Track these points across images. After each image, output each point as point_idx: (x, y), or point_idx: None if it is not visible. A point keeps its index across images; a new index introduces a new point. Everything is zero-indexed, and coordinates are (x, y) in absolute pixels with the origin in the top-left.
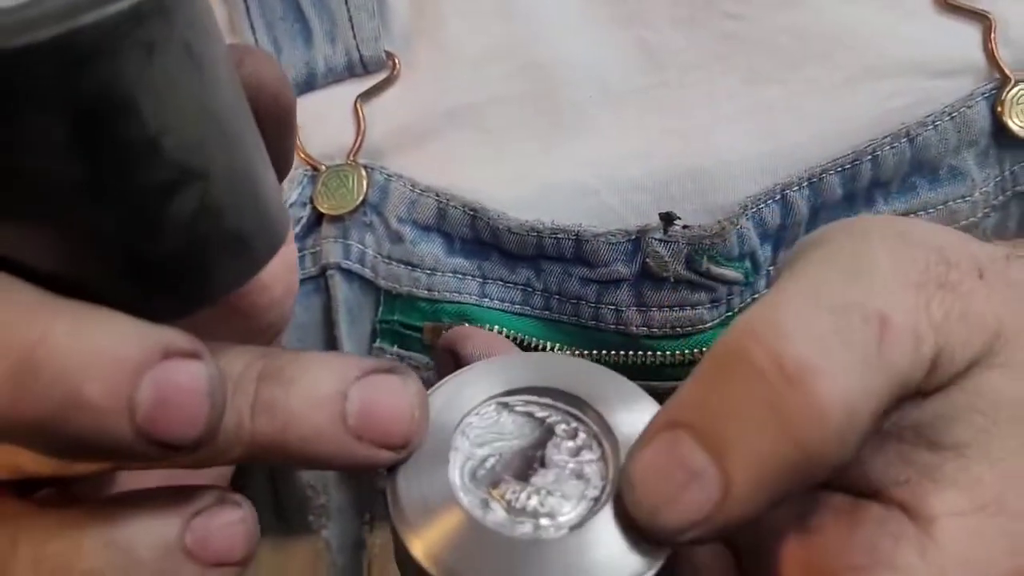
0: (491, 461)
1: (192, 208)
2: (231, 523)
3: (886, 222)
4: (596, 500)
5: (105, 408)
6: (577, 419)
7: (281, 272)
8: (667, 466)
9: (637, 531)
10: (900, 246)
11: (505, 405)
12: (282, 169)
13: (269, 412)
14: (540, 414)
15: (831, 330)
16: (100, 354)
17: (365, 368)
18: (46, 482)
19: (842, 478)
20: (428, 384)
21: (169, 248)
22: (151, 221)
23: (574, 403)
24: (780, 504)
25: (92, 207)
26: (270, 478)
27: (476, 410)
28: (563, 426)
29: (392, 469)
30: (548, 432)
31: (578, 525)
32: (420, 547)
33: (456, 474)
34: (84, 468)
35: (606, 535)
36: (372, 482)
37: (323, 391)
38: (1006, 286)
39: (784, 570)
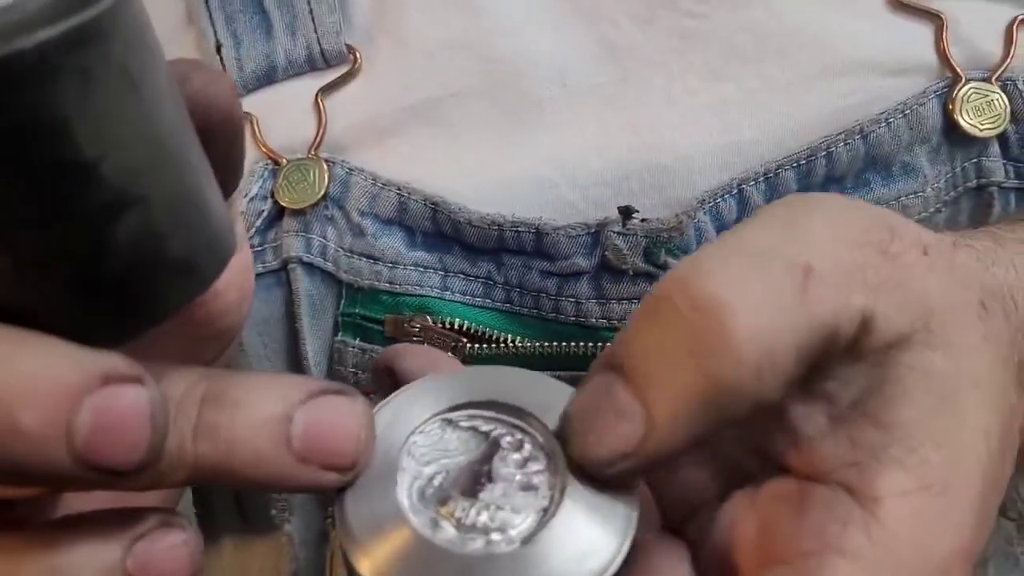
0: (438, 479)
1: (134, 232)
2: (174, 546)
3: (833, 196)
4: (545, 511)
5: (42, 436)
6: (522, 431)
7: (234, 277)
8: (598, 404)
9: (587, 537)
10: (842, 211)
11: (449, 421)
12: (231, 182)
13: (212, 436)
14: (485, 428)
15: (750, 272)
16: (36, 381)
17: (311, 390)
18: None
19: (791, 463)
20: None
21: (110, 272)
22: (90, 246)
23: (518, 415)
24: (706, 439)
25: (28, 231)
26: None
27: (420, 428)
28: (508, 438)
29: (341, 490)
30: (494, 446)
31: (529, 537)
32: (369, 568)
33: (404, 494)
34: (24, 492)
35: (557, 545)
36: None
37: (267, 414)
38: (949, 268)
39: (737, 560)
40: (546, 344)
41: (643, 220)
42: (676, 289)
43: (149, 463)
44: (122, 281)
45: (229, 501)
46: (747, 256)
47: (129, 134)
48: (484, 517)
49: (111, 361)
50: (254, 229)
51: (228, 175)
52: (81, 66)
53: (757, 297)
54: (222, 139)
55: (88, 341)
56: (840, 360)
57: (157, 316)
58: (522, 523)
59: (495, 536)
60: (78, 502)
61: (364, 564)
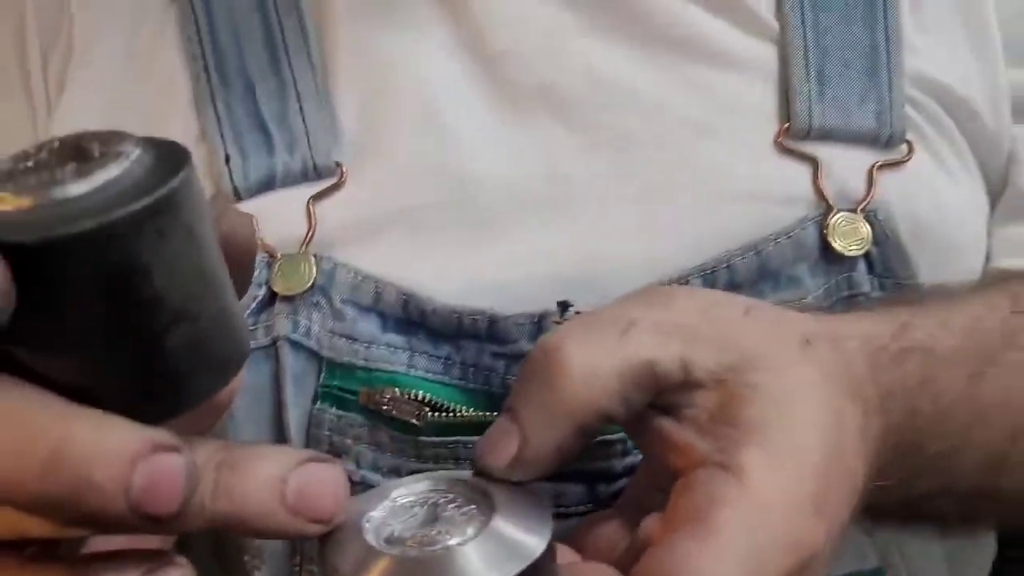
0: (398, 529)
1: (185, 341)
2: None
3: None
4: (488, 520)
5: (108, 489)
6: (451, 493)
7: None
8: (494, 434)
9: (519, 533)
10: (680, 293)
11: (395, 502)
12: (242, 293)
13: (227, 493)
14: (425, 499)
15: (585, 327)
16: (107, 450)
17: (301, 458)
18: (34, 542)
19: (680, 467)
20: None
21: (165, 370)
22: (153, 351)
23: (447, 483)
24: (574, 445)
25: (111, 344)
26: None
27: (373, 508)
28: (443, 499)
29: (322, 540)
30: (435, 506)
31: (477, 535)
32: None
33: (372, 538)
34: (76, 533)
35: (504, 531)
36: None
37: (268, 476)
38: (771, 320)
39: (653, 538)
40: (492, 414)
41: (577, 312)
42: (537, 345)
43: (181, 513)
44: (173, 376)
45: (207, 550)
46: (589, 317)
47: (186, 271)
48: (440, 535)
49: (159, 435)
50: (249, 311)
51: (241, 289)
52: (158, 228)
53: (585, 340)
54: (240, 264)
55: (143, 419)
56: (686, 390)
57: (194, 403)
58: (471, 530)
59: (451, 541)
60: (101, 545)
61: None
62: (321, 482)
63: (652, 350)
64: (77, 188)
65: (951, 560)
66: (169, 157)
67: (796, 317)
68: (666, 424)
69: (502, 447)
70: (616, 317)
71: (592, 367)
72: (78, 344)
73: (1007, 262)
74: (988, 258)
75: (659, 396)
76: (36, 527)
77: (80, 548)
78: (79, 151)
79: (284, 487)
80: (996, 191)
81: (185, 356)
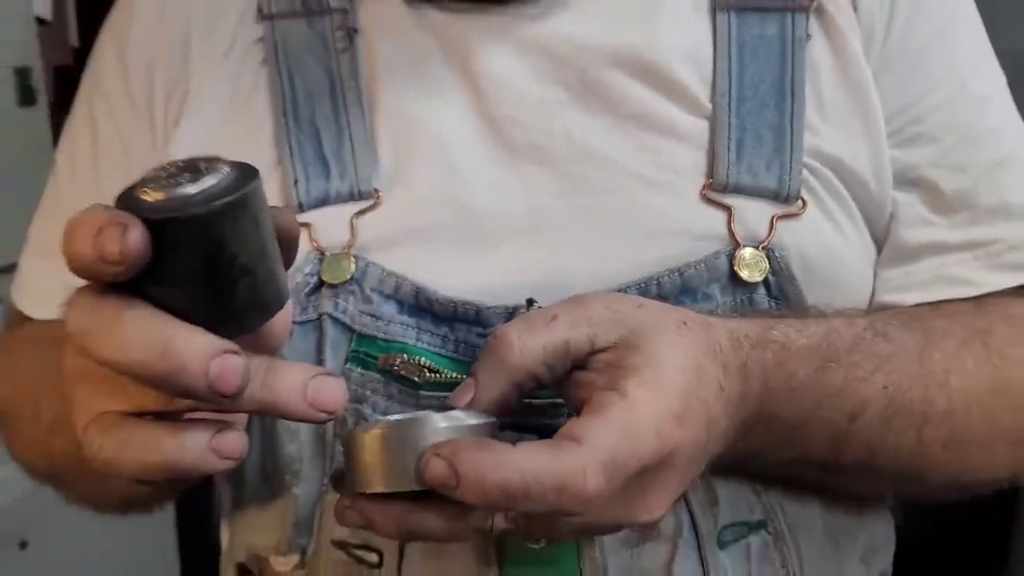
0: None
1: (246, 287)
2: (235, 436)
3: (605, 293)
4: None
5: (196, 372)
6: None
7: (282, 316)
8: (462, 386)
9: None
10: (600, 295)
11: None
12: (290, 262)
13: (268, 388)
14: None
15: (523, 320)
16: (197, 348)
17: (317, 371)
18: (150, 413)
19: (586, 396)
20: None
21: (233, 305)
22: (227, 294)
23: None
24: (511, 397)
25: (203, 286)
26: (261, 451)
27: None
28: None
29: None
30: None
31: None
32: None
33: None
34: (179, 405)
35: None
36: (331, 457)
37: (297, 380)
38: (658, 309)
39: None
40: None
41: (539, 307)
42: (493, 331)
43: (239, 395)
44: (238, 309)
45: (258, 463)
46: (528, 314)
47: (251, 244)
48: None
49: (228, 344)
50: (303, 293)
51: (288, 259)
52: (235, 216)
53: (523, 328)
54: (288, 244)
55: (220, 335)
56: (593, 355)
57: (250, 328)
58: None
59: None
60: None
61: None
62: (329, 387)
63: (566, 333)
64: (191, 189)
65: (827, 520)
66: (246, 173)
67: (679, 310)
68: (578, 374)
69: (463, 395)
70: (545, 313)
71: (524, 344)
72: (184, 285)
73: (886, 297)
74: (874, 293)
75: (576, 362)
76: (152, 401)
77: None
78: (192, 167)
79: (305, 387)
80: (881, 242)
81: (246, 297)
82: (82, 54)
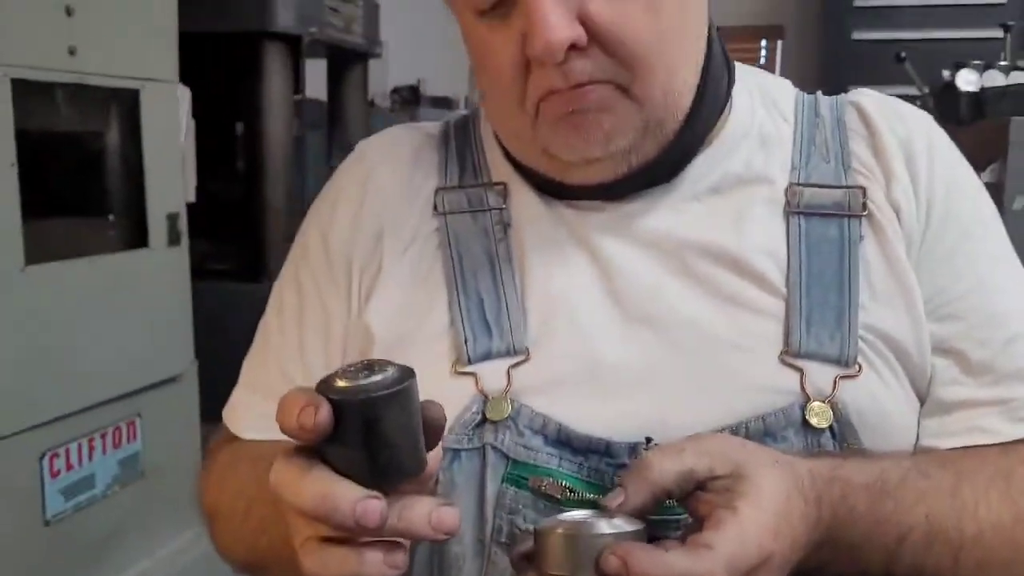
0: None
1: (391, 457)
2: (400, 555)
3: (728, 436)
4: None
5: (347, 512)
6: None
7: (432, 468)
8: (614, 492)
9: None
10: (719, 438)
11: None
12: (432, 445)
13: (405, 519)
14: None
15: (659, 451)
16: (349, 497)
17: (439, 503)
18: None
19: (708, 510)
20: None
21: (380, 469)
22: (377, 459)
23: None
24: (649, 505)
25: (362, 452)
26: (430, 552)
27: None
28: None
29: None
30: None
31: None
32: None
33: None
34: (342, 535)
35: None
36: (488, 557)
37: (423, 511)
38: (756, 450)
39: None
40: (601, 496)
41: (656, 444)
42: (639, 457)
43: (381, 526)
44: (385, 472)
45: (425, 566)
46: (663, 447)
47: (400, 425)
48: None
49: (371, 493)
50: (471, 426)
51: (432, 442)
52: (389, 404)
53: (660, 456)
54: (436, 430)
55: (369, 487)
56: (711, 479)
57: (392, 487)
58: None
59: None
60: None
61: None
62: (447, 515)
63: (692, 462)
64: (366, 381)
65: None
66: (406, 374)
67: (770, 450)
68: (701, 493)
69: (615, 499)
70: (675, 446)
71: (662, 467)
72: (350, 449)
73: (927, 442)
74: (917, 439)
75: (698, 485)
76: (325, 531)
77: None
78: (369, 365)
79: (429, 516)
80: (923, 397)
81: (391, 463)
82: None
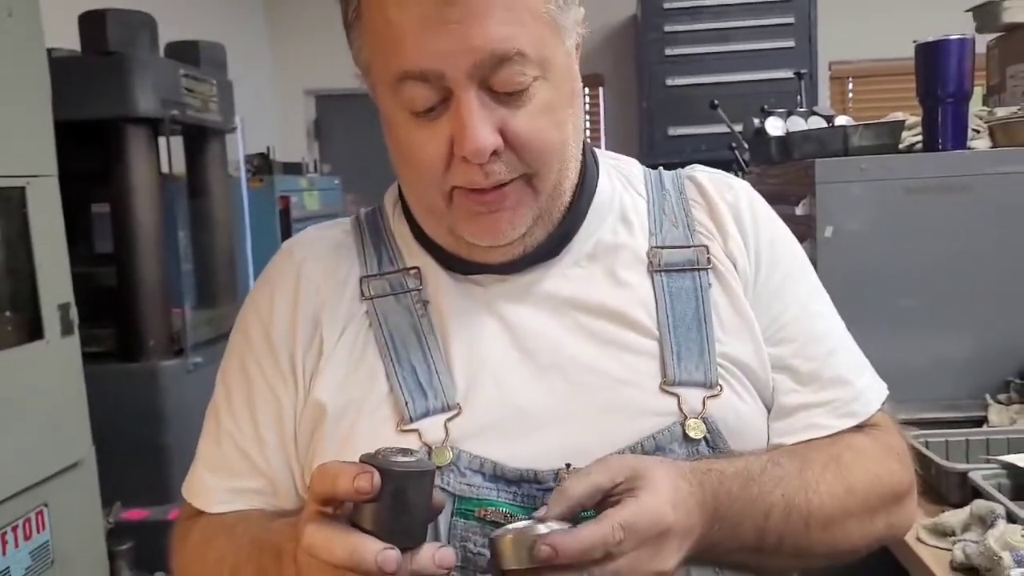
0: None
1: (408, 518)
2: None
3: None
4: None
5: (370, 564)
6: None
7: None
8: (544, 507)
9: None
10: (608, 456)
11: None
12: (430, 519)
13: (416, 562)
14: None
15: (575, 474)
16: (371, 550)
17: (437, 546)
18: None
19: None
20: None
21: (400, 528)
22: (398, 520)
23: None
24: (569, 515)
25: (389, 514)
26: None
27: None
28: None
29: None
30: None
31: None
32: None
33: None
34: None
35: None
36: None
37: (430, 554)
38: (657, 460)
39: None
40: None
41: (574, 468)
42: (560, 482)
43: (398, 571)
44: (399, 532)
45: None
46: (577, 471)
47: (420, 495)
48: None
49: (388, 546)
50: None
51: (431, 517)
52: (415, 480)
53: (574, 478)
54: (437, 510)
55: (388, 541)
56: (616, 487)
57: (406, 545)
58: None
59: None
60: None
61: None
62: (446, 554)
63: (597, 478)
64: (400, 461)
65: None
66: (426, 458)
67: (660, 458)
68: (609, 500)
69: (543, 513)
70: (585, 470)
71: (575, 488)
72: (380, 511)
73: (776, 440)
74: (769, 439)
75: (607, 495)
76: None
77: None
78: (402, 450)
79: (434, 557)
80: (770, 406)
81: (407, 526)
82: None
